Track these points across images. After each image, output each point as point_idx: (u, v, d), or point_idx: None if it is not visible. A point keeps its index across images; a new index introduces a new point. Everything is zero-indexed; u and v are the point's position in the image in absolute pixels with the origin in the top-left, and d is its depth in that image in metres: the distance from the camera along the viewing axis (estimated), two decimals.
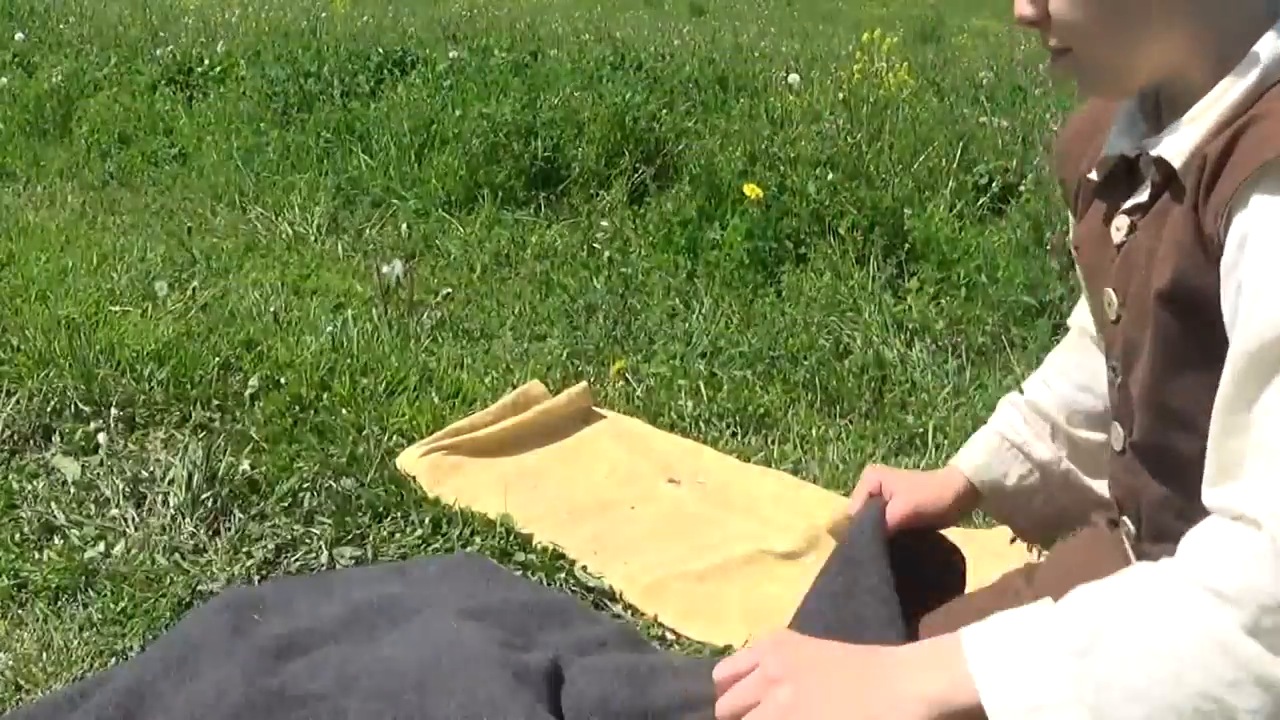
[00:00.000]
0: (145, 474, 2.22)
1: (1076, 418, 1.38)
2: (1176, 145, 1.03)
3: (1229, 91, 1.01)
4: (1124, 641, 0.86)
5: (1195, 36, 1.03)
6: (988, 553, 1.60)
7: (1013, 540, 1.49)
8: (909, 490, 1.41)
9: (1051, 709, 0.85)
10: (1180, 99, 1.04)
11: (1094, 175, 1.16)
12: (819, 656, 1.00)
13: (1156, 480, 1.12)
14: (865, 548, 1.33)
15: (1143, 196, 1.09)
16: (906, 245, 3.53)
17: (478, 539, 2.06)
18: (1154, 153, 1.05)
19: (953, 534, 1.46)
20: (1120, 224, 1.12)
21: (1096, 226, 1.16)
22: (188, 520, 2.07)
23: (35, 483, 2.19)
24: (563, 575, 1.98)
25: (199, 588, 1.89)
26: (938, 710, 0.90)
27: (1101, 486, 1.34)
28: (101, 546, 1.98)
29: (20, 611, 1.83)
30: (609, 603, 1.95)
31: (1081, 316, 1.39)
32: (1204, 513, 0.97)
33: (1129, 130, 1.12)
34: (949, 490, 1.42)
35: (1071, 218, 1.26)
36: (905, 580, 1.30)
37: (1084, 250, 1.22)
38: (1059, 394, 1.39)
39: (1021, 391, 1.44)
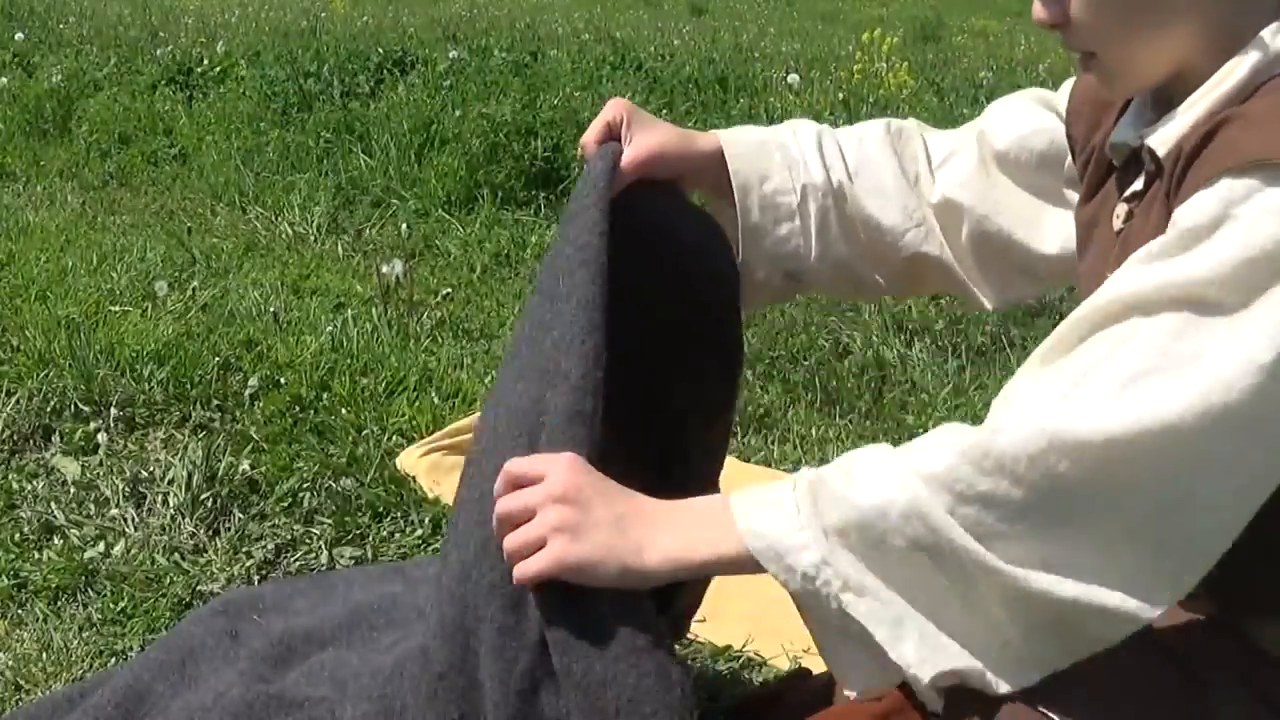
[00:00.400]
0: (145, 474, 2.22)
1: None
2: (1165, 135, 1.05)
3: (1223, 81, 1.02)
4: (848, 493, 0.98)
5: (1209, 30, 1.03)
6: None
7: None
8: (652, 130, 1.33)
9: (795, 551, 0.98)
10: (1188, 89, 1.05)
11: (1108, 154, 1.17)
12: (600, 488, 1.06)
13: None
14: (583, 198, 1.25)
15: (1139, 185, 1.10)
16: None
17: None
18: (1146, 142, 1.06)
19: None
20: (1120, 211, 1.13)
21: (1102, 211, 1.18)
22: (188, 520, 2.07)
23: (35, 483, 2.19)
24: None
25: (199, 588, 1.89)
26: (681, 564, 1.03)
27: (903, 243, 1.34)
28: (101, 546, 1.98)
29: (20, 611, 1.83)
30: None
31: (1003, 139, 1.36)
32: None
33: (1137, 119, 1.13)
34: (700, 141, 1.35)
35: (1079, 183, 1.26)
36: (644, 231, 1.28)
37: (1086, 230, 1.22)
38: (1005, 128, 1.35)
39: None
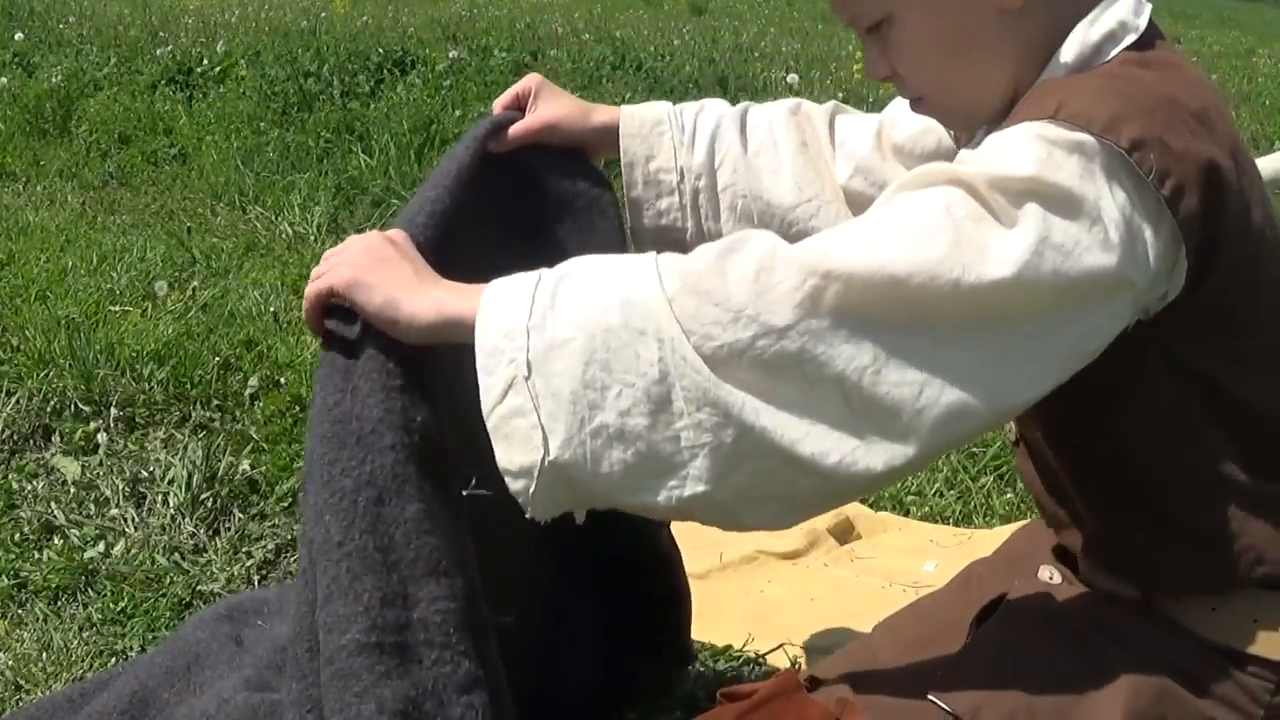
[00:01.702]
0: (145, 474, 2.22)
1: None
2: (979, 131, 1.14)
3: (1038, 83, 1.08)
4: (583, 282, 0.99)
5: (1030, 49, 1.10)
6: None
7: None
8: (555, 102, 1.40)
9: (513, 312, 0.98)
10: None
11: None
12: (388, 254, 1.10)
13: (1042, 473, 1.20)
14: (454, 154, 1.32)
15: None
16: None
17: None
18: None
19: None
20: None
21: None
22: (188, 520, 2.07)
23: (35, 483, 2.19)
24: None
25: (199, 588, 1.89)
26: (443, 316, 1.04)
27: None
28: (101, 546, 1.98)
29: (20, 611, 1.83)
30: None
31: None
32: (1090, 492, 1.11)
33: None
34: (598, 115, 1.42)
35: None
36: (527, 193, 1.35)
37: None
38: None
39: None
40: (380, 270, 1.08)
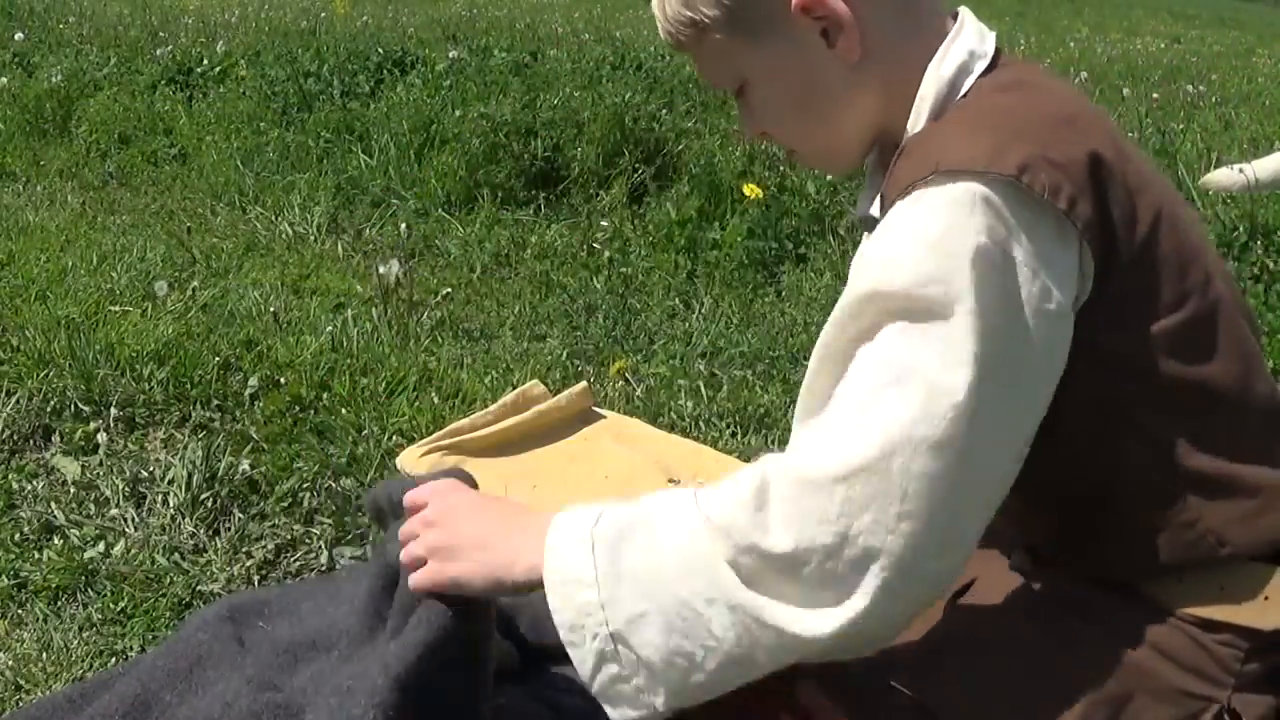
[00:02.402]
0: (145, 474, 2.22)
1: None
2: (870, 198, 1.19)
3: (914, 129, 1.12)
4: (640, 546, 1.03)
5: (887, 89, 1.15)
6: None
7: None
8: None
9: (582, 585, 1.03)
10: (900, 143, 1.14)
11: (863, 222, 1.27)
12: (468, 504, 1.19)
13: None
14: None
15: None
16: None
17: None
18: (872, 213, 1.17)
19: None
20: None
21: None
22: (188, 520, 2.07)
23: (35, 483, 2.19)
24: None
25: (199, 588, 1.89)
26: (533, 575, 1.08)
27: None
28: (101, 546, 1.98)
29: (20, 611, 1.83)
30: None
31: None
32: (1045, 493, 1.11)
33: (869, 186, 1.24)
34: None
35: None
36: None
37: None
38: None
39: None
40: (460, 554, 1.15)
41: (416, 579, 1.18)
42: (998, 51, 1.14)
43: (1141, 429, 1.07)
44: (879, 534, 0.95)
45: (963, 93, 1.11)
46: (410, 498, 1.24)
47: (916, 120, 1.12)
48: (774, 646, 0.99)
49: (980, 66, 1.12)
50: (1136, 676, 1.07)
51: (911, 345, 0.98)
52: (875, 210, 1.17)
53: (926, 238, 0.99)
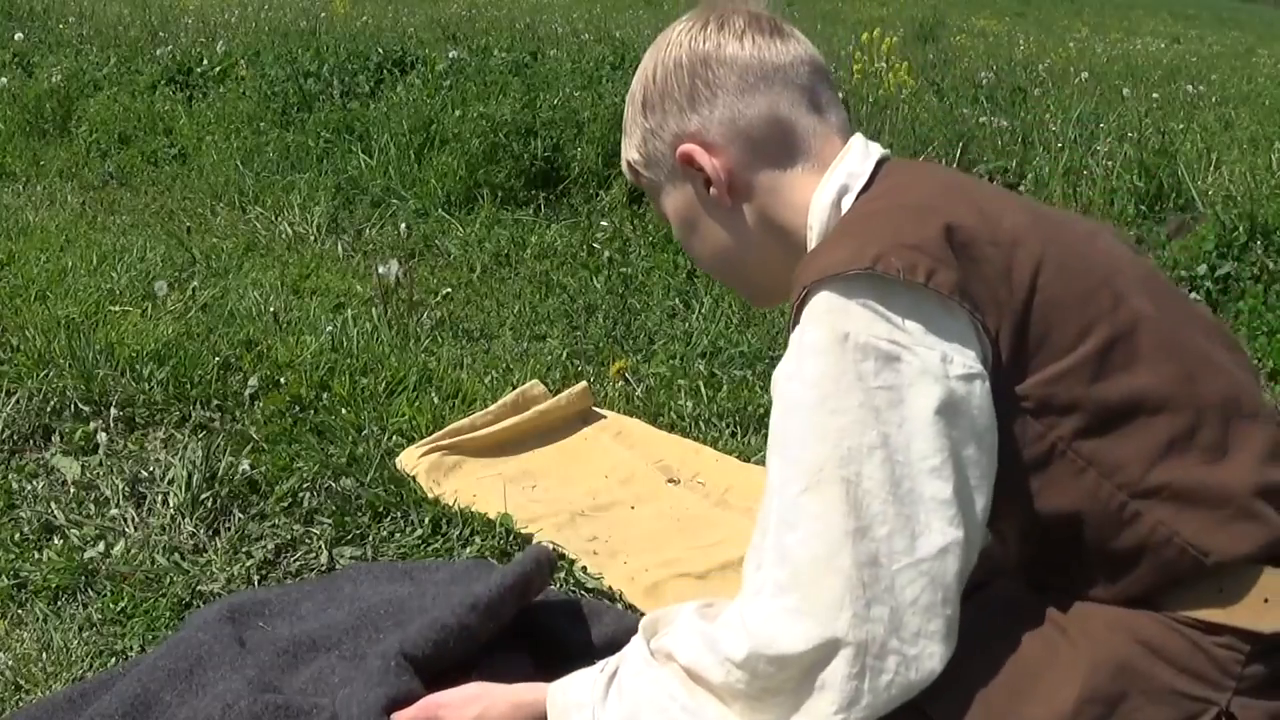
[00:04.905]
0: (145, 474, 2.22)
1: None
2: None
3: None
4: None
5: (770, 233, 1.26)
6: None
7: None
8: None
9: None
10: None
11: None
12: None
13: None
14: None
15: None
16: None
17: (477, 539, 2.06)
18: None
19: None
20: None
21: None
22: (188, 520, 2.07)
23: (35, 483, 2.19)
24: (563, 575, 1.98)
25: (199, 588, 1.89)
26: None
27: None
28: (101, 546, 1.98)
29: (20, 611, 1.83)
30: (609, 603, 1.95)
31: None
32: (1017, 542, 1.16)
33: None
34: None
35: None
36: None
37: None
38: None
39: None
40: None
41: None
42: (881, 163, 1.22)
43: (1089, 459, 1.09)
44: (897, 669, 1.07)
45: (844, 212, 1.19)
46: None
47: (810, 249, 1.20)
48: None
49: (858, 185, 1.20)
50: (1130, 677, 1.07)
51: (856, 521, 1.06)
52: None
53: (814, 346, 1.08)
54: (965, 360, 1.06)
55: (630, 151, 1.34)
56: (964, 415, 1.06)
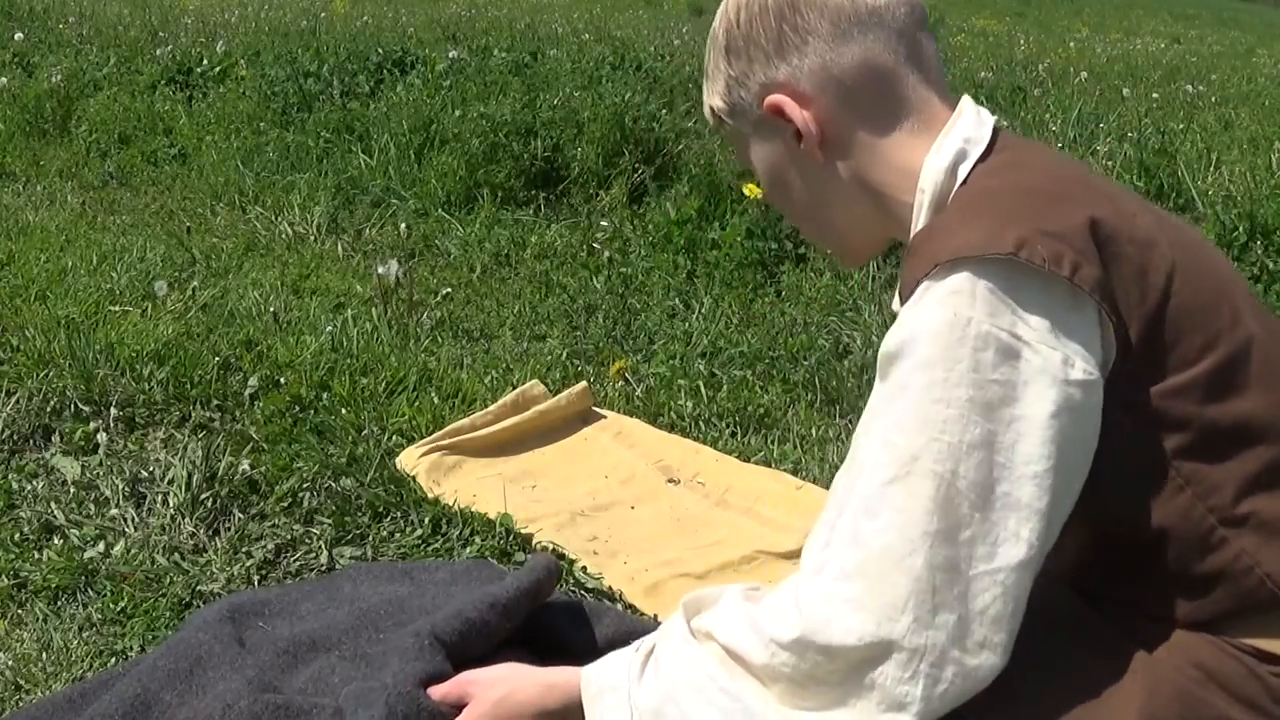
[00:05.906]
0: (145, 474, 2.22)
1: None
2: (893, 295, 1.21)
3: (917, 224, 1.15)
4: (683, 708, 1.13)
5: (864, 192, 1.19)
6: None
7: None
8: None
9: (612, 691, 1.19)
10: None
11: None
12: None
13: None
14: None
15: None
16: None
17: (477, 539, 2.06)
18: (894, 308, 1.19)
19: None
20: None
21: None
22: (187, 520, 2.07)
23: (35, 483, 2.19)
24: (563, 575, 1.98)
25: (199, 588, 1.89)
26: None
27: None
28: (101, 546, 1.98)
29: (20, 611, 1.83)
30: (609, 603, 1.95)
31: None
32: (1098, 560, 1.14)
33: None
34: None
35: None
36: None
37: None
38: None
39: None
40: None
41: None
42: (996, 133, 1.15)
43: (1187, 479, 1.06)
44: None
45: (961, 180, 1.12)
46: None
47: (920, 215, 1.14)
48: None
49: (977, 152, 1.13)
50: (1184, 703, 1.06)
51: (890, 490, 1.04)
52: (897, 305, 1.18)
53: (930, 328, 1.02)
54: (1086, 366, 1.01)
55: (713, 98, 1.24)
56: (1075, 423, 1.01)
